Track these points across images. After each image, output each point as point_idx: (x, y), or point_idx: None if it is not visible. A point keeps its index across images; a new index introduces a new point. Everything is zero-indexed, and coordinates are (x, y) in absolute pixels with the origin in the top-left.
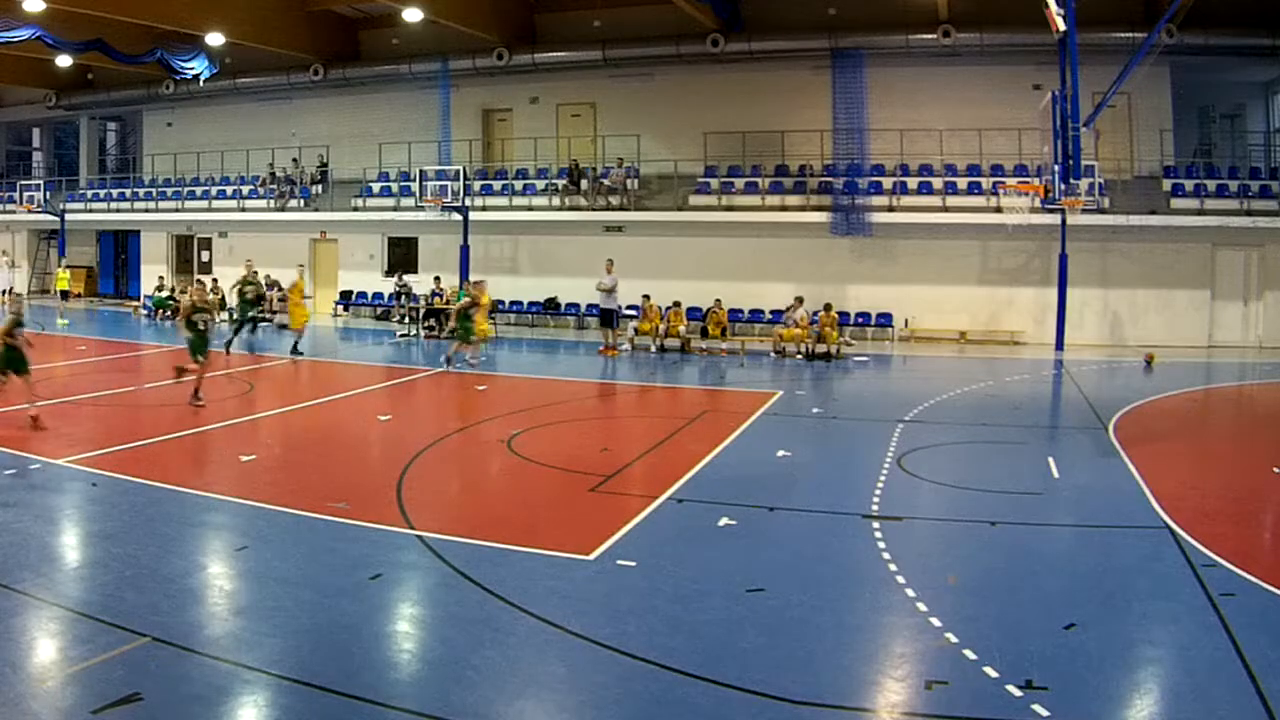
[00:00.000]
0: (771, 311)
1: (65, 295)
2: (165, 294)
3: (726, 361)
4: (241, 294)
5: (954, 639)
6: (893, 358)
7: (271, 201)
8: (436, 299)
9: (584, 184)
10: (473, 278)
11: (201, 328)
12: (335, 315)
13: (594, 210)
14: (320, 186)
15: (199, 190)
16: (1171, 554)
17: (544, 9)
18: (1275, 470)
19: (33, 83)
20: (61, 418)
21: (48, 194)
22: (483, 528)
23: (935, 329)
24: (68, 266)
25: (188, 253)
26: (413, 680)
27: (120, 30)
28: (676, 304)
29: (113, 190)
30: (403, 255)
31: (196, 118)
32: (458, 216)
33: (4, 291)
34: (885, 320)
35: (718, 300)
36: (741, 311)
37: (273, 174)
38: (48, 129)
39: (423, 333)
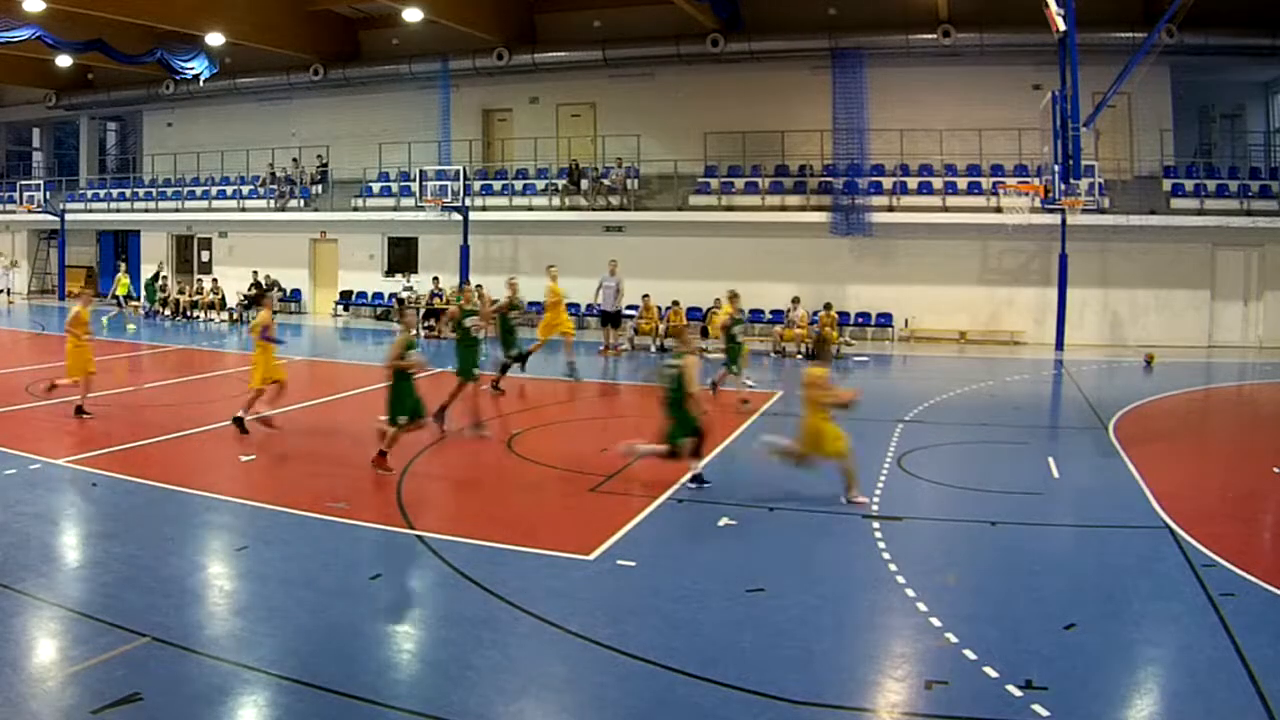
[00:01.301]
0: (771, 311)
1: (128, 299)
2: (153, 275)
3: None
4: (505, 319)
5: (954, 639)
6: (893, 358)
7: (271, 201)
8: (436, 299)
9: (584, 184)
10: (728, 288)
11: (475, 335)
12: (335, 315)
13: (594, 210)
14: (320, 186)
15: (199, 190)
16: (1171, 554)
17: (544, 9)
18: (1275, 470)
19: (33, 83)
20: (62, 417)
21: (48, 194)
22: (483, 528)
23: (935, 329)
24: (127, 271)
25: (188, 253)
26: (413, 680)
27: (120, 30)
28: (675, 303)
29: (113, 190)
30: (403, 255)
31: (196, 118)
32: (458, 216)
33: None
34: (885, 320)
35: (717, 300)
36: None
37: (273, 174)
38: (48, 129)
39: (422, 333)
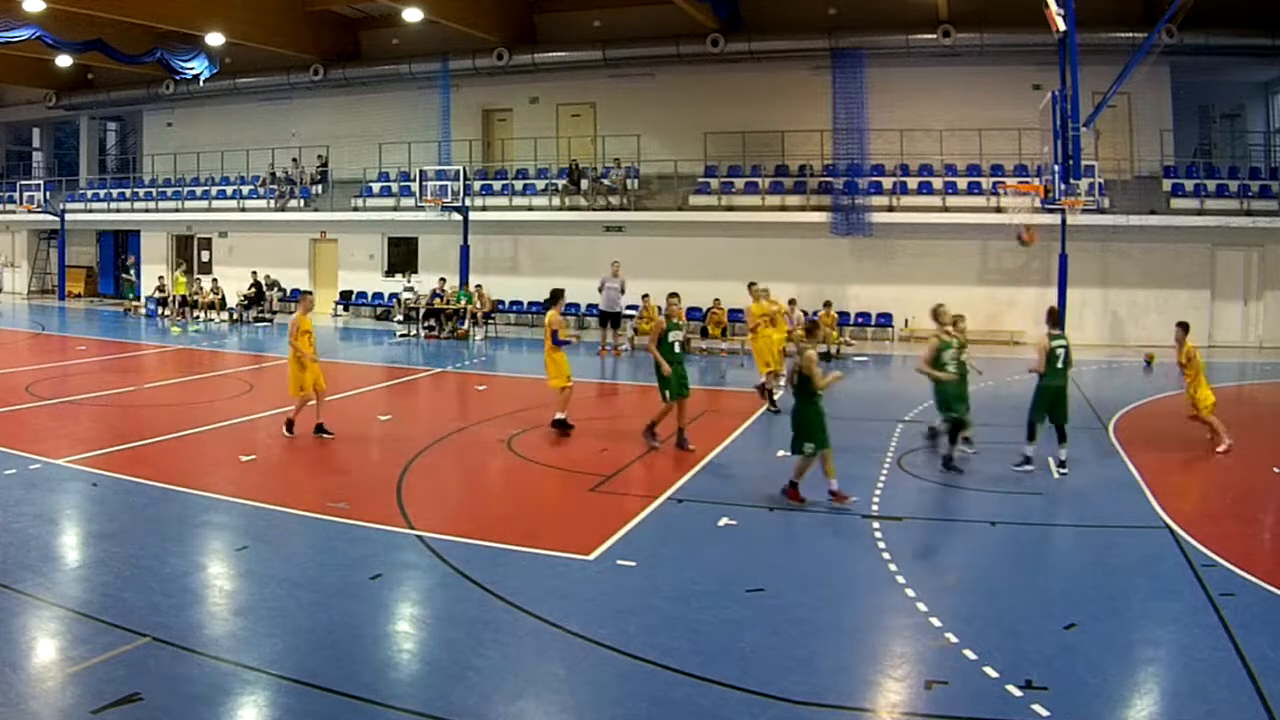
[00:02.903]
0: None
1: (184, 301)
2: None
3: (726, 361)
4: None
5: (954, 639)
6: (893, 358)
7: (271, 201)
8: (437, 300)
9: (584, 184)
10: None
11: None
12: (335, 315)
13: (594, 210)
14: (320, 186)
15: (199, 190)
16: (1171, 554)
17: (544, 9)
18: (1275, 470)
19: (33, 83)
20: (62, 417)
21: (48, 194)
22: (483, 528)
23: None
24: (185, 271)
25: (188, 253)
26: (413, 680)
27: (120, 30)
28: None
29: (113, 190)
30: (403, 255)
31: (196, 118)
32: (458, 216)
33: None
34: (885, 320)
35: (717, 300)
36: (742, 311)
37: (273, 174)
38: (48, 129)
39: (423, 333)
